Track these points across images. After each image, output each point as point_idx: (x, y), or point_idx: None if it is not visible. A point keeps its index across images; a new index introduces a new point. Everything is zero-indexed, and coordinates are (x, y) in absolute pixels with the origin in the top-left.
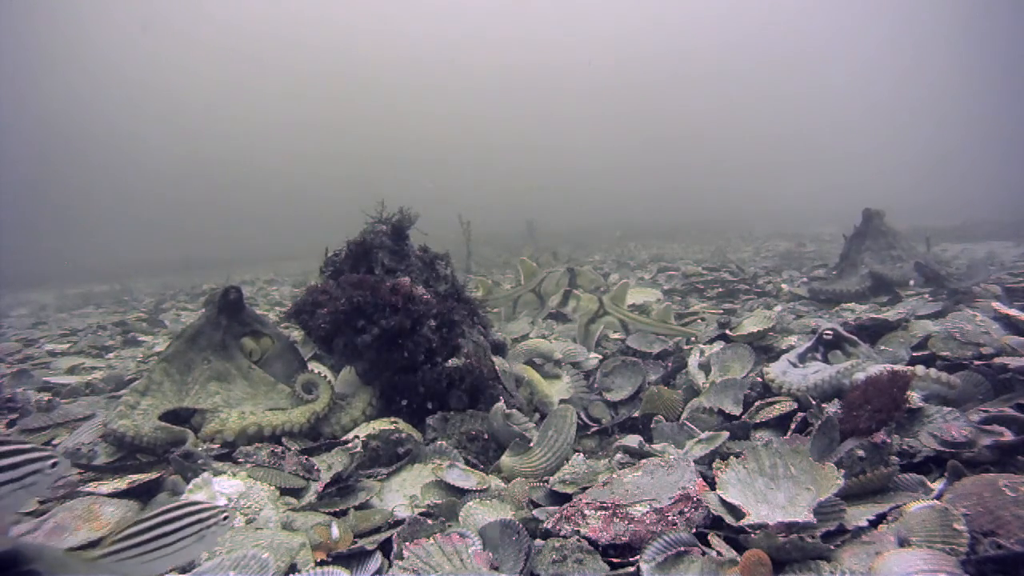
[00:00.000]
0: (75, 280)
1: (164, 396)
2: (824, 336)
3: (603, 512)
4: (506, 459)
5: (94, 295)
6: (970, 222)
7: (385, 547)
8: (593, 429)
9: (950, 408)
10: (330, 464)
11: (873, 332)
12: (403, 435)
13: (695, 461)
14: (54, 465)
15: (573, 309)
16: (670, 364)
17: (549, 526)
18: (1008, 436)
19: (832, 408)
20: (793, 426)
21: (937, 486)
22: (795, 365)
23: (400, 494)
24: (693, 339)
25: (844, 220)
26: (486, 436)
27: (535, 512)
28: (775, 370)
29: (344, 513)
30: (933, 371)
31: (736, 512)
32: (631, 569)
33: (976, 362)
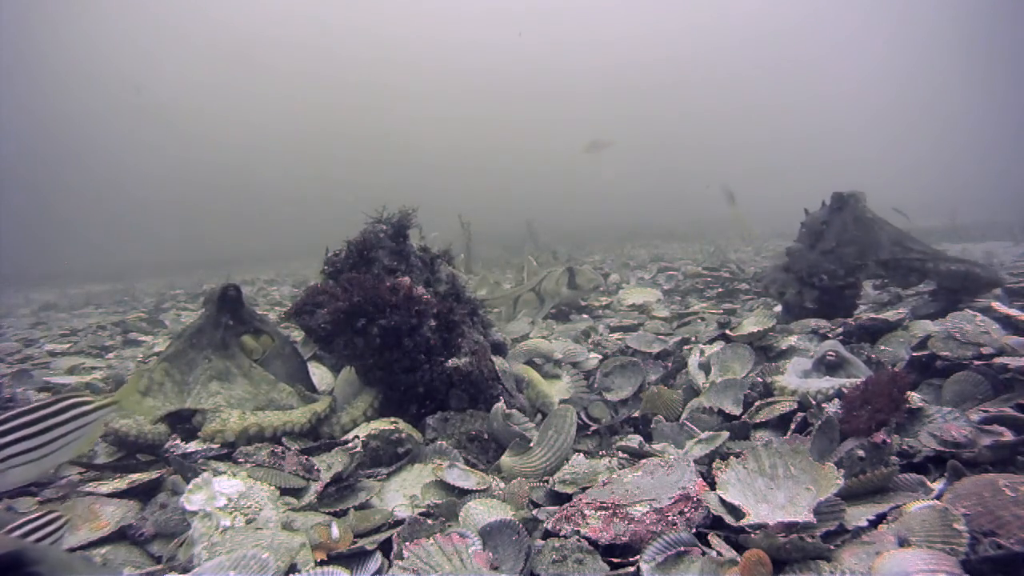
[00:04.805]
0: (75, 280)
1: (166, 396)
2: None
3: (603, 512)
4: (506, 459)
5: (94, 295)
6: (971, 223)
7: (385, 547)
8: (593, 428)
9: (950, 408)
10: (330, 464)
11: (873, 332)
12: (403, 435)
13: (695, 461)
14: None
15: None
16: (670, 364)
17: (549, 526)
18: (1008, 436)
19: (832, 408)
20: (793, 426)
21: (937, 486)
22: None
23: (400, 494)
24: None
25: None
26: (486, 436)
27: (535, 512)
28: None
29: (344, 513)
30: None
31: (736, 512)
32: (631, 569)
33: (976, 362)
